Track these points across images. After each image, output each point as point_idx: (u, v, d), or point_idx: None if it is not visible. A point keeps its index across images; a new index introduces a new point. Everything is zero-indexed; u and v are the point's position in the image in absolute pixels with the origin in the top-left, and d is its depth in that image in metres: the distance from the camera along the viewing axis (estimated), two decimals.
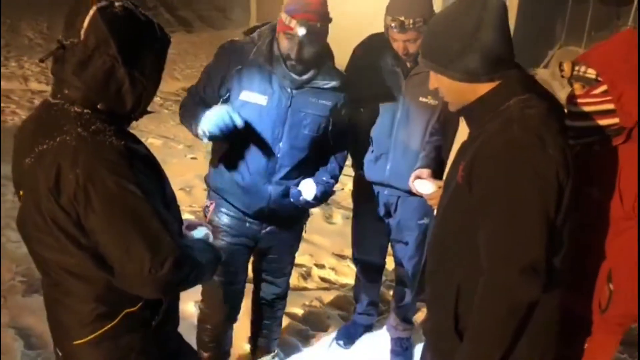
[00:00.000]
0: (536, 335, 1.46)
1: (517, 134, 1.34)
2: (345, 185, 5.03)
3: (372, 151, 2.58)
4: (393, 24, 2.25)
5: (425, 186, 2.04)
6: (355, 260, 3.03)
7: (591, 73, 1.68)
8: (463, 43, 1.40)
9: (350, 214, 4.54)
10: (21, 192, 1.45)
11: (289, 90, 2.17)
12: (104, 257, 1.38)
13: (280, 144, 2.21)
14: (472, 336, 1.45)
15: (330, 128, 2.31)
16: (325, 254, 3.93)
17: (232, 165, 2.27)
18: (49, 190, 1.32)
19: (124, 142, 1.38)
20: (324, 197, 2.32)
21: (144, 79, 1.42)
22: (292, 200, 2.29)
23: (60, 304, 1.49)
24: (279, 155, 2.22)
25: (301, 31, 2.02)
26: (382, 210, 2.72)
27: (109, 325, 1.47)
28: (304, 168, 2.32)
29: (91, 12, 1.33)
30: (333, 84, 2.22)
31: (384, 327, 3.12)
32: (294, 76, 2.14)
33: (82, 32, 1.34)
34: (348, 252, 3.93)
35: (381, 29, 2.43)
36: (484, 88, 1.45)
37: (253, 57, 2.15)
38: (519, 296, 1.36)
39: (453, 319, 1.52)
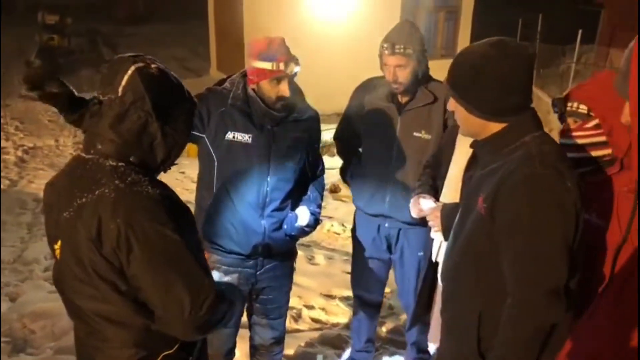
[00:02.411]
0: (552, 354, 1.57)
1: (538, 169, 1.48)
2: (324, 226, 5.13)
3: (370, 185, 2.73)
4: (385, 45, 2.51)
5: (429, 202, 2.30)
6: (355, 296, 3.07)
7: (583, 109, 1.85)
8: (487, 84, 1.55)
9: (331, 254, 4.67)
10: (56, 245, 1.49)
11: (269, 127, 2.32)
12: (143, 302, 1.44)
13: (269, 178, 2.34)
14: (500, 355, 1.54)
15: (307, 158, 2.47)
16: (313, 295, 3.97)
17: (222, 208, 2.36)
18: (91, 241, 1.38)
19: (159, 191, 1.46)
20: (315, 224, 2.48)
21: (175, 134, 1.52)
22: (285, 227, 2.40)
23: (98, 350, 1.52)
24: (268, 189, 2.35)
25: (297, 68, 2.23)
26: (383, 245, 2.81)
27: None
28: (290, 198, 2.45)
29: (129, 71, 1.44)
30: (310, 113, 2.44)
31: None
32: (277, 114, 2.30)
33: (120, 88, 1.43)
34: (335, 291, 4.01)
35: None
36: (495, 127, 1.61)
37: (232, 102, 2.30)
38: (544, 317, 1.47)
39: (476, 341, 1.62)
